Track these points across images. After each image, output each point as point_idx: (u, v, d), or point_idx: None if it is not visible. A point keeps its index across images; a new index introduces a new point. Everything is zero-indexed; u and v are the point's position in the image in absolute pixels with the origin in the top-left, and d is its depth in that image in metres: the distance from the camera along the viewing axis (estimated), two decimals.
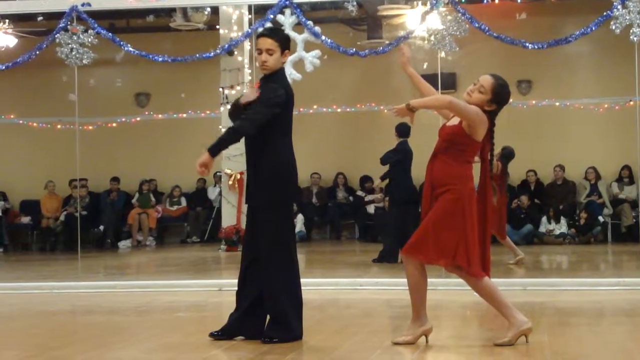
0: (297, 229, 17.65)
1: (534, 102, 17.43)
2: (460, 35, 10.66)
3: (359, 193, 18.27)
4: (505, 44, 11.29)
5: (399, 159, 12.54)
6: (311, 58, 11.03)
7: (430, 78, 14.72)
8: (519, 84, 17.62)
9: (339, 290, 9.61)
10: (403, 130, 12.58)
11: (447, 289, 8.84)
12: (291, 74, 11.09)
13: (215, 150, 6.29)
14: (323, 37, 11.06)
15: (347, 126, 18.20)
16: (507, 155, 12.17)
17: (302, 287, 9.68)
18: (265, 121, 6.44)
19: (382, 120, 17.16)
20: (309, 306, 8.45)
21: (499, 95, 6.06)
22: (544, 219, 16.59)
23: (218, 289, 9.94)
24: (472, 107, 5.96)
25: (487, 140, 6.09)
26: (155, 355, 6.08)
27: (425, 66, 12.40)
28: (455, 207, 5.88)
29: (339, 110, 18.02)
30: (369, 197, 17.98)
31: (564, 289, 9.38)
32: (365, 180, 18.16)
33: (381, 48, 11.62)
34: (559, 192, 17.12)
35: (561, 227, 16.44)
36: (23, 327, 7.86)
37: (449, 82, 15.44)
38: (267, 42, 6.43)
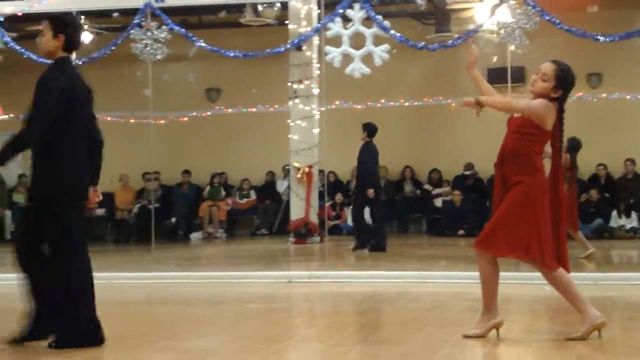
0: None
1: (604, 95, 17.15)
2: (530, 28, 10.56)
3: (427, 187, 18.19)
4: (576, 36, 11.15)
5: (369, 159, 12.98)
6: (380, 52, 11.04)
7: (499, 72, 14.72)
8: (588, 77, 17.35)
9: (407, 283, 9.57)
10: (372, 130, 12.82)
11: (516, 282, 8.74)
12: (360, 68, 11.10)
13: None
14: (392, 31, 11.04)
15: (415, 119, 18.13)
16: (575, 146, 11.99)
17: (370, 280, 9.77)
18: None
19: (450, 114, 17.07)
20: (377, 299, 8.48)
21: (563, 80, 5.95)
22: (614, 213, 16.35)
23: (288, 281, 9.97)
24: (535, 102, 5.88)
25: (557, 128, 5.99)
26: (228, 345, 6.13)
27: (494, 59, 12.33)
28: (526, 200, 5.81)
29: (406, 104, 17.95)
30: (436, 191, 17.89)
31: (635, 283, 9.22)
32: (433, 173, 18.09)
33: (450, 42, 11.59)
34: (630, 186, 16.83)
35: (632, 222, 16.21)
36: (101, 315, 7.97)
37: (518, 76, 15.25)
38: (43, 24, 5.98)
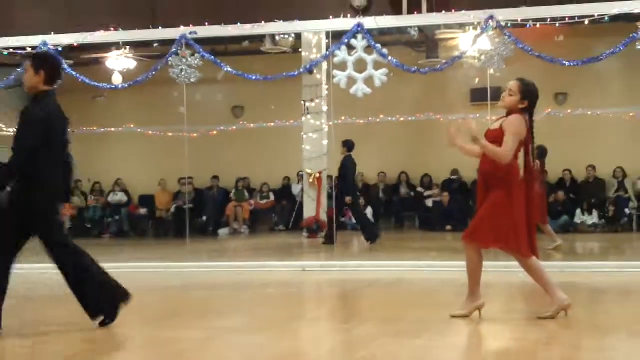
0: None
1: (569, 111, 17.07)
2: (507, 55, 10.51)
3: (419, 189, 18.13)
4: (545, 61, 11.10)
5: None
6: (379, 75, 11.00)
7: (481, 91, 14.67)
8: (556, 95, 17.30)
9: (403, 271, 9.54)
10: (350, 146, 13.21)
11: (496, 270, 8.68)
12: (362, 88, 11.07)
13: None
14: (389, 58, 11.01)
15: (409, 132, 18.09)
16: (542, 153, 11.95)
17: (372, 269, 9.74)
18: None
19: (439, 127, 17.00)
20: (377, 285, 8.45)
21: (527, 92, 5.94)
22: (578, 211, 16.28)
23: (301, 269, 9.95)
24: (511, 127, 5.79)
25: (529, 136, 5.96)
26: (251, 324, 6.12)
27: (477, 81, 12.26)
28: (506, 199, 5.80)
29: (402, 119, 17.91)
30: (427, 193, 17.84)
31: (597, 270, 9.18)
32: (425, 178, 18.04)
33: (439, 66, 11.56)
34: (591, 188, 16.75)
35: (593, 219, 16.13)
36: (144, 299, 7.96)
37: (496, 95, 15.16)
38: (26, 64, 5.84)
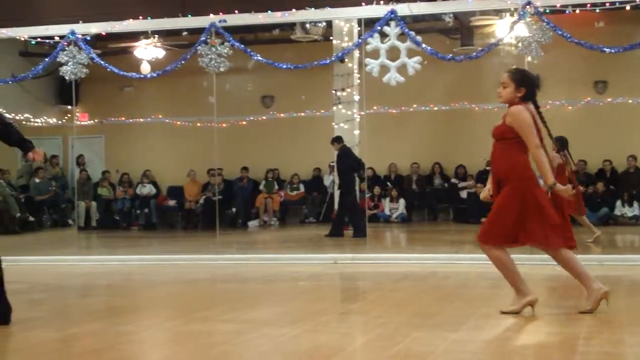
0: (399, 212, 17.62)
1: (609, 99, 16.92)
2: (545, 42, 10.42)
3: (453, 180, 18.08)
4: (585, 48, 11.00)
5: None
6: (413, 63, 10.96)
7: None
8: (595, 84, 17.15)
9: (438, 264, 9.55)
10: (340, 140, 13.83)
11: (532, 263, 8.64)
12: (395, 77, 11.04)
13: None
14: (423, 45, 10.97)
15: (443, 122, 18.04)
16: (563, 143, 11.84)
17: (405, 261, 9.75)
18: None
19: (474, 117, 16.95)
20: (411, 278, 8.46)
21: (520, 80, 5.87)
22: (619, 202, 16.15)
23: (333, 262, 9.99)
24: (516, 120, 5.75)
25: (537, 125, 5.91)
26: (282, 317, 6.16)
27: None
28: (511, 196, 5.75)
29: (435, 108, 17.85)
30: (462, 184, 17.78)
31: (636, 264, 9.11)
32: (459, 169, 17.99)
33: (474, 54, 11.46)
34: (632, 179, 16.60)
35: (634, 210, 16.00)
36: (174, 291, 8.08)
37: None
38: None
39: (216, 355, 4.78)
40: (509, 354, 4.79)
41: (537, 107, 5.90)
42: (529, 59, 10.59)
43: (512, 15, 11.28)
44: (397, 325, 5.57)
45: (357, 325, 5.89)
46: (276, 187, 18.52)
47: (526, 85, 5.86)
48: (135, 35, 16.23)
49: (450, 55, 11.53)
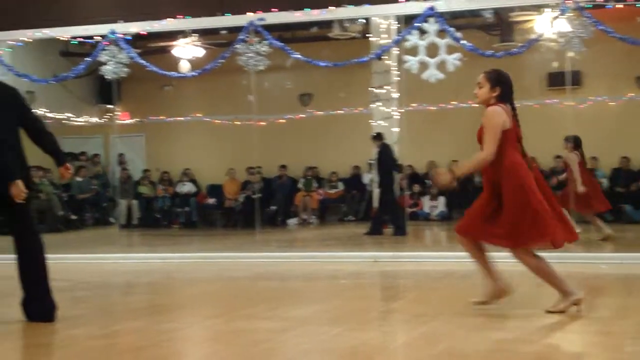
0: (439, 210, 17.52)
1: None
2: (587, 37, 10.29)
3: None
4: (627, 44, 10.84)
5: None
6: (453, 60, 10.89)
7: (559, 76, 14.42)
8: (638, 79, 16.86)
9: None
10: (380, 137, 13.94)
11: (576, 262, 8.54)
12: (435, 74, 10.99)
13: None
14: (463, 41, 10.90)
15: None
16: (577, 143, 11.79)
17: (446, 260, 9.68)
18: None
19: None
20: (452, 276, 8.40)
21: (495, 79, 5.86)
22: None
23: (373, 260, 9.96)
24: (487, 121, 5.79)
25: (514, 122, 5.82)
26: (323, 315, 6.16)
27: (554, 65, 12.04)
28: (518, 195, 5.65)
29: (474, 105, 17.68)
30: None
31: None
32: None
33: (514, 50, 11.37)
34: None
35: None
36: (215, 289, 8.11)
37: (575, 79, 14.91)
38: None
39: (259, 353, 4.79)
40: (554, 354, 4.74)
41: (513, 108, 5.85)
42: (571, 54, 10.46)
43: (552, 10, 11.16)
44: (440, 324, 5.53)
45: (398, 324, 5.87)
46: (315, 185, 18.54)
47: (501, 85, 5.84)
48: (174, 35, 16.34)
49: (491, 51, 11.44)
